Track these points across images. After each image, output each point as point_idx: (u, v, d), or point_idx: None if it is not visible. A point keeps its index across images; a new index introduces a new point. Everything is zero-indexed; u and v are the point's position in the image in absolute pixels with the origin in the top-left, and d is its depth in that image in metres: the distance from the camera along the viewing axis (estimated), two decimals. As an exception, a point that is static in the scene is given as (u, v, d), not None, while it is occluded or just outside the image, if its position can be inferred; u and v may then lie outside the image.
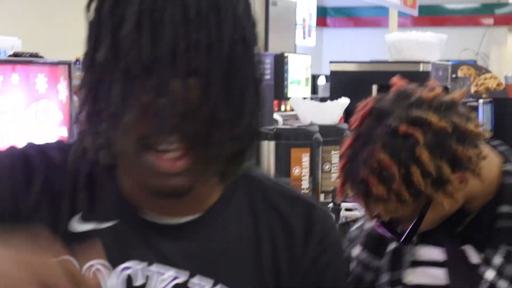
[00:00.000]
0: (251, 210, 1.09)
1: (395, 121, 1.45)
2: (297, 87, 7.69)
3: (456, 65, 6.32)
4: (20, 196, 1.03)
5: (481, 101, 5.20)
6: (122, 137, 0.95)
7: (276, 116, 3.96)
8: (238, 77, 0.95)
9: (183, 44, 0.91)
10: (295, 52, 8.35)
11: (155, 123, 0.92)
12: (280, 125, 3.87)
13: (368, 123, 1.49)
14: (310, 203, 1.13)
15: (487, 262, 1.55)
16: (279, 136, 3.21)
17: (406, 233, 1.54)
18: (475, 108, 5.06)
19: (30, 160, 1.05)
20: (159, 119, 0.92)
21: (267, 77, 3.70)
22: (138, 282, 1.02)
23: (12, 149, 1.07)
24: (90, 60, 0.96)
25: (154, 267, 1.03)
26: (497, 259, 1.54)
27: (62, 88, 2.39)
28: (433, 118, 1.44)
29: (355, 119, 1.52)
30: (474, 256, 1.57)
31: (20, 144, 1.09)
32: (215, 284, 1.04)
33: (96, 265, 1.01)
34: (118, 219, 1.04)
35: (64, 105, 2.54)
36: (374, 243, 1.66)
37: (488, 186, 1.56)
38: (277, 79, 7.59)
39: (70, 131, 2.51)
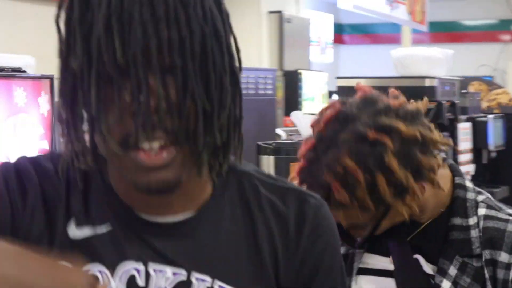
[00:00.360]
0: (243, 203, 1.10)
1: (362, 127, 1.44)
2: (311, 104, 7.71)
3: (467, 80, 6.30)
4: (17, 206, 1.04)
5: (491, 116, 5.17)
6: (105, 139, 0.96)
7: (279, 131, 3.97)
8: (214, 69, 0.97)
9: (155, 42, 0.92)
10: (309, 69, 8.37)
11: (137, 122, 0.93)
12: (282, 139, 3.88)
13: (333, 127, 1.47)
14: (302, 192, 1.13)
15: (442, 273, 1.54)
16: (278, 150, 3.23)
17: (362, 239, 1.55)
18: (485, 123, 5.05)
19: (23, 171, 1.07)
20: (140, 118, 0.93)
21: (269, 92, 3.72)
22: (140, 281, 1.04)
23: (4, 164, 1.09)
24: (64, 69, 0.98)
25: (152, 266, 1.04)
26: (452, 270, 1.53)
27: (44, 102, 2.42)
28: (401, 126, 1.44)
29: (318, 121, 1.51)
30: (425, 266, 1.57)
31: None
32: (213, 280, 1.04)
33: (94, 270, 1.03)
34: (113, 220, 1.05)
35: (46, 118, 2.57)
36: None
37: (440, 198, 1.57)
38: (291, 96, 7.63)
39: (52, 144, 2.54)
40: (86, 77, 0.94)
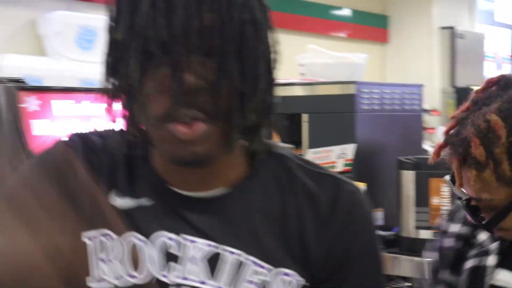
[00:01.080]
0: (277, 184, 1.14)
1: None
2: (484, 120, 7.53)
3: None
4: None
5: None
6: (143, 111, 1.04)
7: (426, 146, 3.95)
8: (249, 56, 1.03)
9: (196, 23, 0.99)
10: (482, 85, 8.17)
11: (174, 98, 1.00)
12: (426, 155, 3.87)
13: (491, 90, 1.45)
14: (337, 177, 1.17)
15: None
16: (418, 165, 3.24)
17: (490, 218, 1.46)
18: None
19: (72, 146, 1.17)
20: (177, 93, 0.99)
21: (415, 107, 3.73)
22: (174, 249, 1.10)
23: (57, 141, 1.20)
24: (110, 42, 1.06)
25: (184, 236, 1.10)
26: None
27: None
28: None
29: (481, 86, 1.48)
30: None
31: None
32: (242, 253, 1.09)
33: (131, 237, 1.10)
34: (151, 194, 1.13)
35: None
36: (451, 259, 1.61)
37: None
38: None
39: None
40: (129, 50, 1.01)
